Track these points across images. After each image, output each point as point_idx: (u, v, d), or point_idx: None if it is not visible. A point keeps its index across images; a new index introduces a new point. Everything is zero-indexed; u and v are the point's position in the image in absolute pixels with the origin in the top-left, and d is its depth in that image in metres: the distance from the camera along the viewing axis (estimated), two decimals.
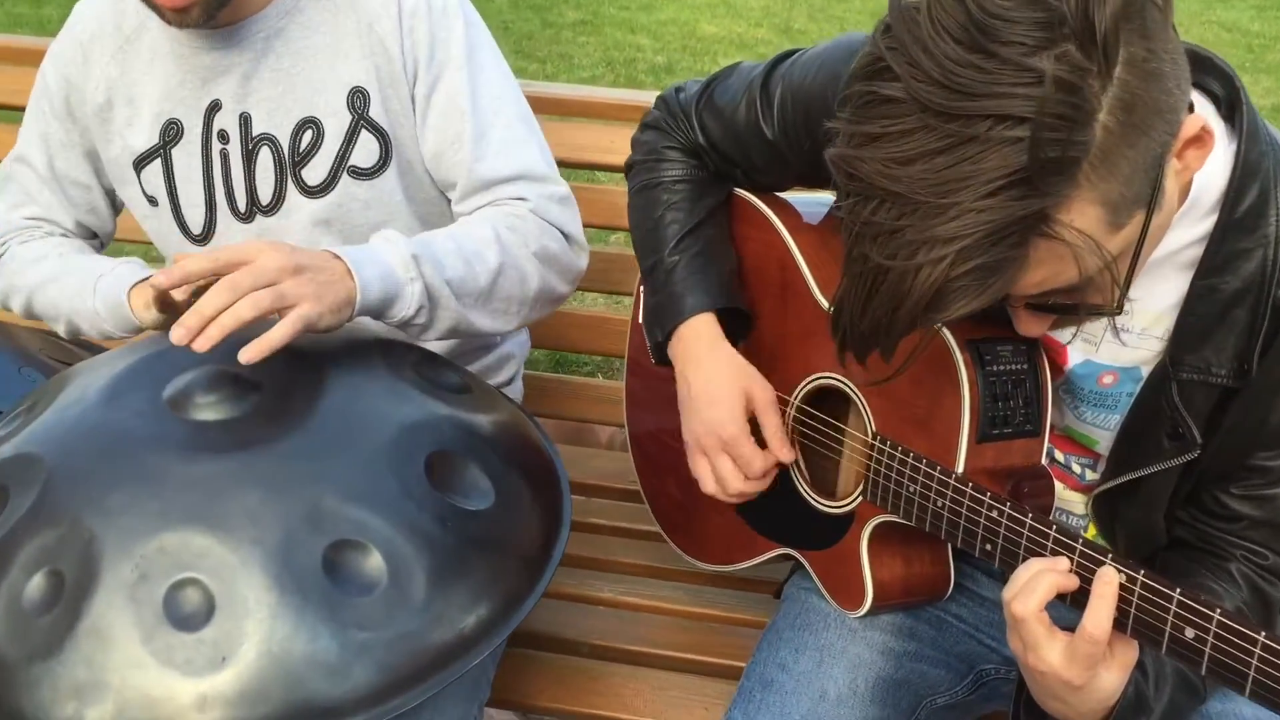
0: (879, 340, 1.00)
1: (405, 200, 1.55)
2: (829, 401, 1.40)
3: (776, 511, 1.44)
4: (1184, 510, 1.26)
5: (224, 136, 1.50)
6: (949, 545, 1.34)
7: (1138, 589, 1.04)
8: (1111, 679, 1.06)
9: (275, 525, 1.03)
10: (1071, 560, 1.07)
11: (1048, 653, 1.05)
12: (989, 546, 1.18)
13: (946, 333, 1.23)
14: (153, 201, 1.55)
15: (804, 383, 1.39)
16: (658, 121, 1.47)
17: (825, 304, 1.36)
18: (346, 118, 1.48)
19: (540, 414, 1.96)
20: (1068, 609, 1.09)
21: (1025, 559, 1.12)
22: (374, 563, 1.04)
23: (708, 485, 1.40)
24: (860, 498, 1.33)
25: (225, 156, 1.50)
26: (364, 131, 1.49)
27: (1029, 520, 1.13)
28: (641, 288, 1.57)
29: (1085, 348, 1.23)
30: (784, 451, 1.37)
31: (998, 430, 1.23)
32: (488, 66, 1.54)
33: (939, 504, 1.22)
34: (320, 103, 1.49)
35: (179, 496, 1.04)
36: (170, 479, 1.05)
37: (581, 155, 2.01)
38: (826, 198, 1.50)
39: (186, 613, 0.99)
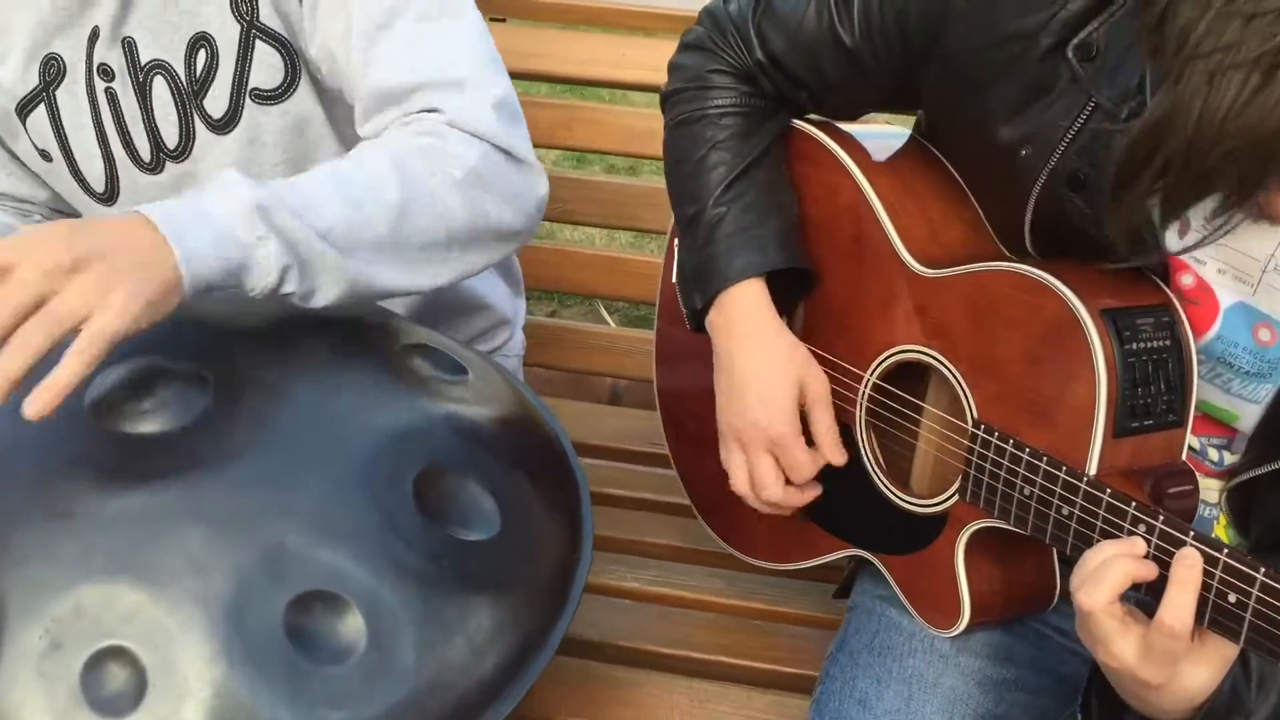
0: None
1: (329, 125, 1.24)
2: (909, 380, 1.15)
3: (847, 505, 1.20)
4: None
5: (106, 72, 1.21)
6: (1054, 550, 1.10)
7: (1219, 572, 0.85)
8: (1199, 676, 0.87)
9: (224, 575, 0.78)
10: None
11: (1121, 648, 0.88)
12: None
13: (1075, 300, 0.97)
14: (45, 156, 1.27)
15: (883, 356, 1.14)
16: (701, 40, 1.20)
17: (914, 264, 1.11)
18: (235, 28, 1.18)
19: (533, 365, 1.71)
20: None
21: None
22: (350, 621, 0.80)
23: (739, 484, 1.17)
24: (956, 497, 1.08)
25: (113, 96, 1.21)
26: (259, 42, 1.19)
27: (1190, 540, 0.90)
28: (675, 240, 1.32)
29: (1239, 288, 0.99)
30: (836, 454, 1.14)
31: (1137, 422, 0.98)
32: None
33: (1064, 512, 0.98)
34: (206, 12, 1.20)
35: (101, 538, 0.80)
36: (91, 515, 0.81)
37: (588, 71, 1.75)
38: (894, 130, 1.24)
39: (110, 693, 0.76)
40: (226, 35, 1.19)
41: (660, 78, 1.27)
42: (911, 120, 1.24)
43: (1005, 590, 1.13)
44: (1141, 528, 0.93)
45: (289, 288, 0.98)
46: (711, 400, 1.35)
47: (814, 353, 1.20)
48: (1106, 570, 0.89)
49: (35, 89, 1.23)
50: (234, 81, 1.20)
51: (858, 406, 1.17)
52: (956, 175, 1.17)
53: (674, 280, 1.27)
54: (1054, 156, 1.00)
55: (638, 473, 1.73)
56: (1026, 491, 1.01)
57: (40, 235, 0.87)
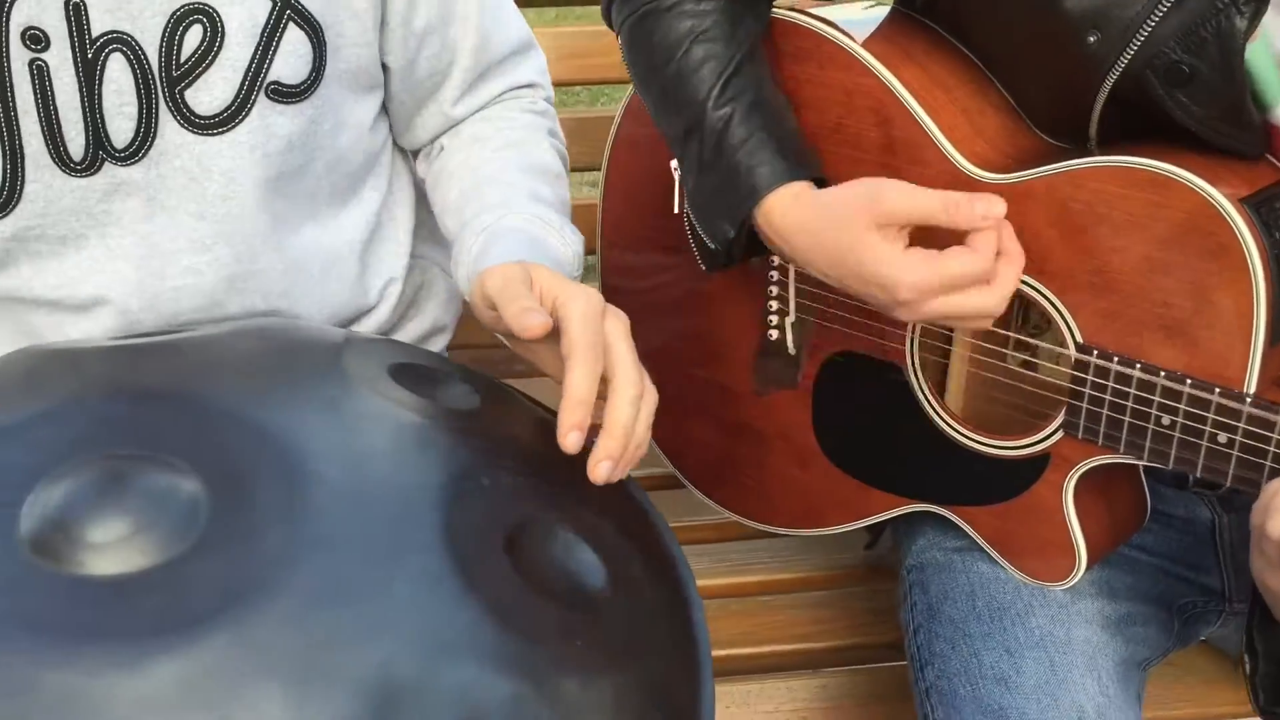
0: None
1: (332, 135, 0.96)
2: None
3: (904, 457, 1.04)
4: None
5: (36, 38, 0.85)
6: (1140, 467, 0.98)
7: None
8: None
9: None
10: None
11: None
12: None
13: (1214, 192, 0.82)
14: None
15: None
16: None
17: (974, 169, 0.93)
18: (263, 6, 0.88)
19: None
20: None
21: None
22: None
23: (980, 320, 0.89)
24: (1059, 434, 0.93)
25: (41, 71, 0.85)
26: (291, 26, 0.89)
27: None
28: (673, 166, 1.09)
29: None
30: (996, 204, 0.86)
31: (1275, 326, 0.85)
32: None
33: (1221, 440, 0.84)
34: None
35: None
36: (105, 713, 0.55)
37: None
38: (866, 15, 1.05)
39: None
40: (247, 13, 0.87)
41: None
42: None
43: (1110, 525, 1.00)
44: None
45: None
46: (684, 358, 1.16)
47: (833, 296, 1.02)
48: None
49: None
50: (248, 71, 0.88)
51: (908, 347, 1.00)
52: (969, 54, 1.00)
53: (681, 211, 1.04)
54: (1131, 46, 0.84)
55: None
56: (1166, 421, 0.87)
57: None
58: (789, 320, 1.07)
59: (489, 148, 1.03)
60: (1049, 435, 0.94)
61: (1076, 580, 0.97)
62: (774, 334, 1.08)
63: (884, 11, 1.06)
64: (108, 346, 0.82)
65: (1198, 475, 0.87)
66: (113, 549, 0.62)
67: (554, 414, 0.76)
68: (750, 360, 1.12)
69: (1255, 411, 0.83)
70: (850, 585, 1.29)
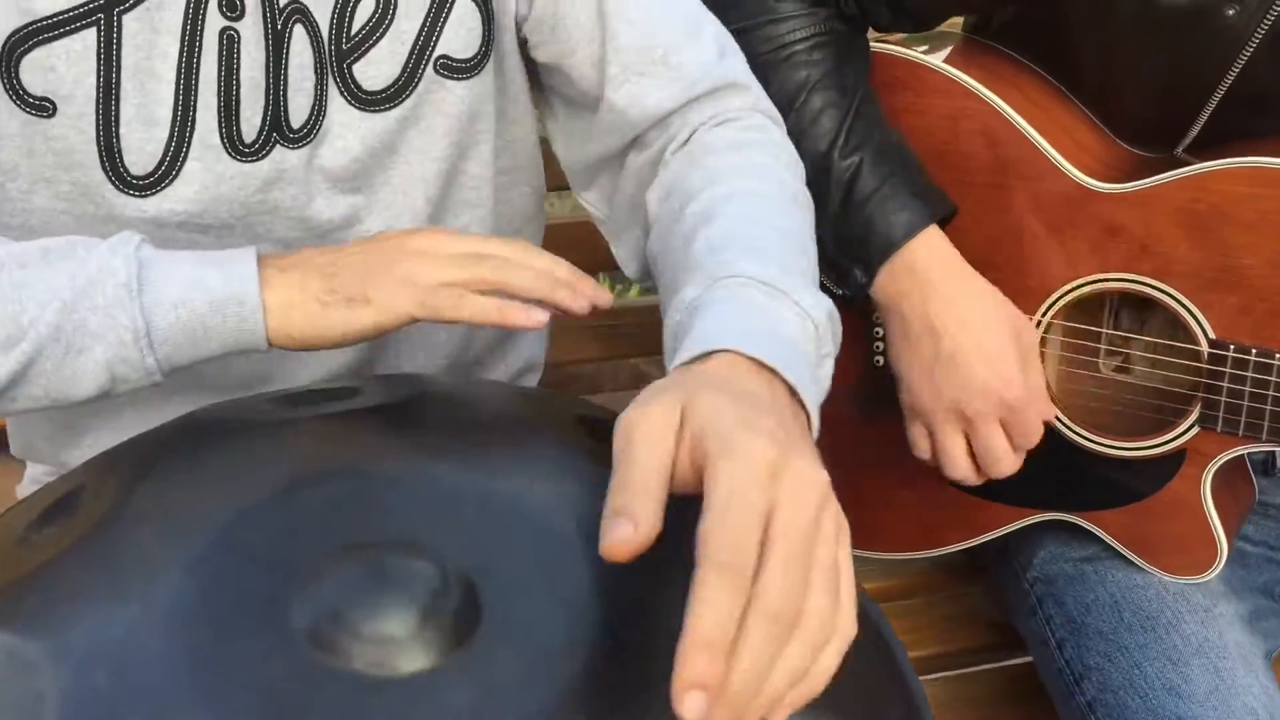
0: None
1: (495, 118, 0.91)
2: (1077, 317, 1.02)
3: (1023, 468, 1.06)
4: None
5: (231, 4, 0.78)
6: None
7: None
8: None
9: None
10: None
11: None
12: None
13: None
14: (40, 108, 0.77)
15: (1059, 294, 0.99)
16: None
17: (1091, 181, 0.96)
18: None
19: None
20: None
21: None
22: None
23: (960, 467, 0.98)
24: (1195, 429, 0.97)
25: (232, 41, 0.79)
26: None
27: None
28: None
29: None
30: (1050, 408, 0.98)
31: None
32: None
33: None
34: None
35: None
36: None
37: None
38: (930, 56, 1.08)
39: None
40: None
41: None
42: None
43: (1236, 514, 1.03)
44: None
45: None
46: None
47: None
48: None
49: (80, 4, 0.75)
50: (417, 44, 0.83)
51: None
52: (1045, 75, 1.04)
53: None
54: (1276, 6, 0.87)
55: None
56: None
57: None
58: None
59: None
60: (1185, 431, 0.97)
61: (1218, 571, 1.00)
62: (879, 360, 1.10)
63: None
64: (287, 419, 0.78)
65: None
66: (402, 643, 0.60)
67: None
68: (849, 391, 1.13)
69: None
70: (924, 594, 1.31)
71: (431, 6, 0.83)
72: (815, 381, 0.70)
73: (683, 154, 0.87)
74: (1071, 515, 1.05)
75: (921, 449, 1.00)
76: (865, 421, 1.13)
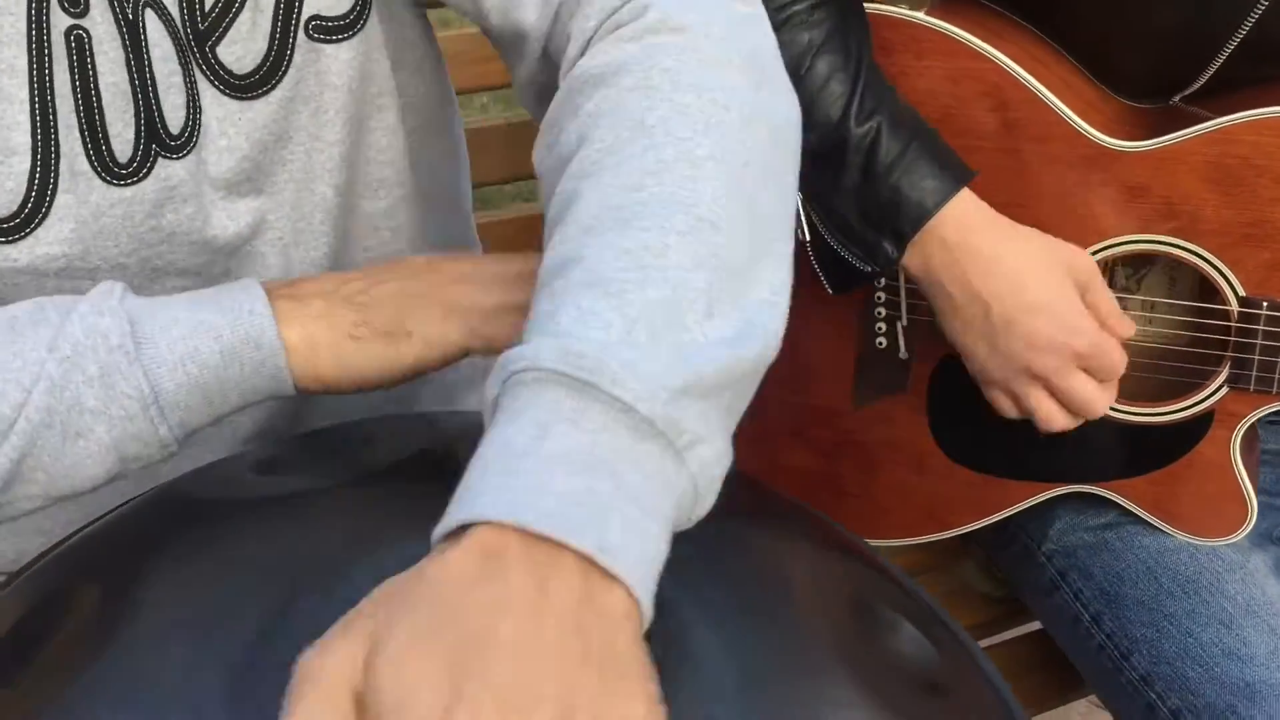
0: None
1: (392, 75, 0.78)
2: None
3: (1042, 443, 1.01)
4: None
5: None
6: None
7: None
8: None
9: None
10: None
11: None
12: None
13: None
14: None
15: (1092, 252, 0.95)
16: None
17: (1110, 140, 0.91)
18: None
19: None
20: None
21: None
22: None
23: (1056, 422, 0.91)
24: (1224, 390, 0.94)
25: (81, 43, 0.65)
26: None
27: None
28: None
29: None
30: (1128, 328, 0.92)
31: None
32: None
33: None
34: None
35: None
36: None
37: None
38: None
39: None
40: None
41: None
42: None
43: (1255, 466, 1.01)
44: None
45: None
46: (774, 385, 1.09)
47: None
48: None
49: None
50: (279, 8, 0.70)
51: None
52: (1035, 31, 0.99)
53: (821, 231, 0.96)
54: None
55: None
56: None
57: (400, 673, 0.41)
58: (900, 324, 1.03)
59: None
60: (1214, 392, 0.94)
61: (1248, 529, 0.98)
62: (882, 341, 1.04)
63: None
64: (298, 491, 0.67)
65: None
66: None
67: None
68: (850, 374, 1.06)
69: None
70: (916, 575, 1.27)
71: None
72: (663, 507, 0.49)
73: (564, 87, 0.67)
74: (1092, 486, 1.02)
75: (1008, 410, 0.93)
76: (867, 406, 1.07)
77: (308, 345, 0.63)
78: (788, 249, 0.60)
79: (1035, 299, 0.88)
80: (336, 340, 0.63)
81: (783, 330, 0.58)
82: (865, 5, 0.96)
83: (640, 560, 0.46)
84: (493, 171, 1.24)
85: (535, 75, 0.74)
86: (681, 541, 0.54)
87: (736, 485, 0.62)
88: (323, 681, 0.43)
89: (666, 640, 0.53)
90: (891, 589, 0.70)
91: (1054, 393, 0.90)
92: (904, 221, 0.88)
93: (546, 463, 0.47)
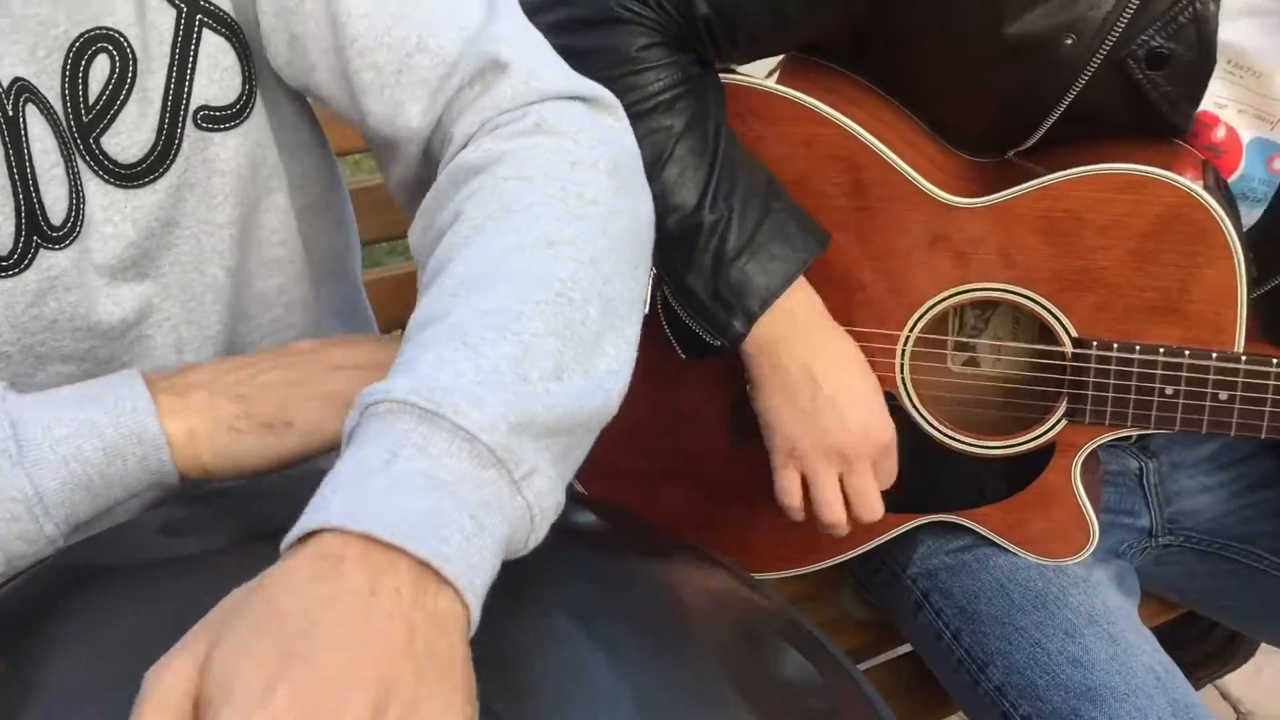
0: None
1: (281, 158, 0.81)
2: (939, 329, 1.05)
3: (903, 475, 1.08)
4: None
5: None
6: None
7: None
8: None
9: None
10: None
11: None
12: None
13: (1189, 184, 0.93)
14: None
15: (925, 308, 1.02)
16: (609, 11, 0.95)
17: (949, 197, 0.99)
18: (167, 13, 0.71)
19: None
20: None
21: None
22: None
23: (832, 510, 1.01)
24: (1064, 423, 1.02)
25: None
26: (206, 32, 0.73)
27: None
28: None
29: (1258, 125, 1.00)
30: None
31: (1248, 288, 0.97)
32: None
33: (1223, 398, 0.96)
34: None
35: None
36: None
37: None
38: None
39: None
40: (150, 27, 0.71)
41: None
42: None
43: (1097, 492, 1.09)
44: None
45: (538, 517, 0.57)
46: (653, 428, 1.15)
47: None
48: None
49: None
50: (168, 99, 0.72)
51: (899, 370, 1.05)
52: (878, 90, 1.07)
53: (675, 306, 1.01)
54: (1110, 38, 0.93)
55: None
56: (1170, 391, 0.97)
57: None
58: None
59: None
60: (1054, 425, 1.02)
61: (1091, 550, 1.06)
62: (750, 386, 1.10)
63: None
64: (203, 553, 0.70)
65: (1202, 433, 0.98)
66: None
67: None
68: (726, 415, 1.12)
69: (1251, 367, 0.95)
70: (799, 606, 1.34)
71: (175, 50, 0.72)
72: (498, 528, 0.54)
73: (443, 177, 0.73)
74: (952, 515, 1.09)
75: (791, 494, 1.02)
76: (743, 447, 1.13)
77: (189, 438, 0.65)
78: (634, 332, 0.66)
79: (860, 389, 0.98)
80: (218, 433, 0.66)
81: (623, 395, 0.64)
82: (722, 77, 1.02)
83: (473, 571, 0.51)
84: (372, 231, 1.28)
85: (410, 173, 0.79)
86: (578, 578, 0.59)
87: (628, 524, 0.67)
88: (160, 688, 0.47)
89: (565, 673, 0.58)
90: (777, 619, 0.76)
91: (845, 483, 1.00)
92: (753, 300, 0.95)
93: (394, 481, 0.52)
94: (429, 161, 0.77)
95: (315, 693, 0.45)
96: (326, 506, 0.51)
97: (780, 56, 1.09)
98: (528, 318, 0.60)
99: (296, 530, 0.51)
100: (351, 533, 0.49)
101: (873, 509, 1.01)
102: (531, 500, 0.56)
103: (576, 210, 0.66)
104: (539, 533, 0.57)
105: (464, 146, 0.72)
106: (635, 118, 0.94)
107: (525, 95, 0.73)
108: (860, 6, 0.97)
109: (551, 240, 0.65)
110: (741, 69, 1.06)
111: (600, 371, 0.62)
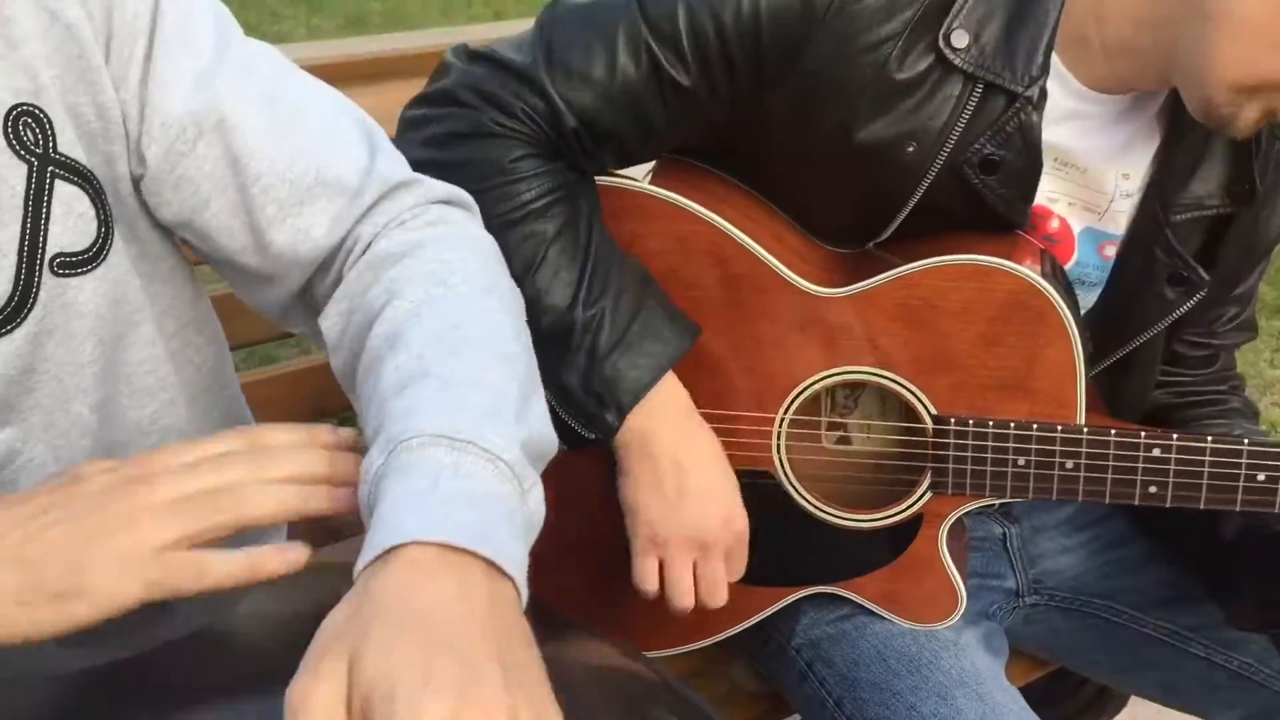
0: None
1: (145, 290, 0.83)
2: (809, 410, 1.11)
3: (781, 552, 1.14)
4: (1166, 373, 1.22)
5: None
6: None
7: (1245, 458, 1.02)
8: None
9: None
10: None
11: None
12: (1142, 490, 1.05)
13: (1027, 272, 1.01)
14: None
15: (797, 391, 1.08)
16: (480, 125, 1.00)
17: (814, 287, 1.06)
18: (18, 169, 0.73)
19: None
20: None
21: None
22: None
23: (683, 596, 1.07)
24: (928, 495, 1.08)
25: None
26: (59, 183, 0.75)
27: (1211, 443, 1.00)
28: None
29: (1087, 216, 1.10)
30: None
31: (1087, 365, 1.06)
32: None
33: (1069, 466, 1.04)
34: None
35: None
36: None
37: None
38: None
39: None
40: (1, 182, 0.73)
41: None
42: None
43: (964, 558, 1.16)
44: (1156, 450, 1.02)
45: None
46: (560, 513, 1.18)
47: (705, 414, 1.11)
48: None
49: None
50: (23, 250, 0.74)
51: (775, 450, 1.11)
52: (747, 188, 1.14)
53: (551, 401, 1.06)
54: (946, 147, 1.01)
55: None
56: (1021, 462, 1.05)
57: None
58: None
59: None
60: (920, 496, 1.09)
61: (959, 615, 1.13)
62: None
63: None
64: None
65: (1054, 499, 1.06)
66: None
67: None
68: (604, 504, 1.17)
69: (1092, 437, 1.03)
70: (691, 681, 1.38)
71: (28, 201, 0.74)
72: (522, 530, 0.66)
73: (360, 265, 0.81)
74: (831, 587, 1.15)
75: (650, 580, 1.07)
76: (622, 532, 1.18)
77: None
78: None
79: (720, 482, 1.05)
80: (2, 607, 0.62)
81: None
82: (597, 179, 1.09)
83: (519, 566, 0.64)
84: (255, 331, 1.30)
85: (295, 287, 0.85)
86: None
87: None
88: (314, 697, 0.55)
89: None
90: (668, 695, 0.81)
91: (699, 571, 1.06)
92: (624, 395, 1.01)
93: (443, 501, 0.63)
94: (322, 271, 0.84)
95: (461, 670, 0.56)
96: (400, 525, 0.61)
97: None
98: (494, 370, 0.73)
99: (374, 549, 0.61)
100: (429, 543, 0.60)
101: (721, 597, 1.07)
102: (533, 508, 0.69)
103: (494, 285, 0.82)
104: (534, 535, 0.69)
105: (370, 243, 0.83)
106: (508, 225, 1.00)
107: (424, 198, 0.86)
108: (722, 118, 1.04)
109: (487, 309, 0.79)
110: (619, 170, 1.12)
111: (541, 412, 0.76)
